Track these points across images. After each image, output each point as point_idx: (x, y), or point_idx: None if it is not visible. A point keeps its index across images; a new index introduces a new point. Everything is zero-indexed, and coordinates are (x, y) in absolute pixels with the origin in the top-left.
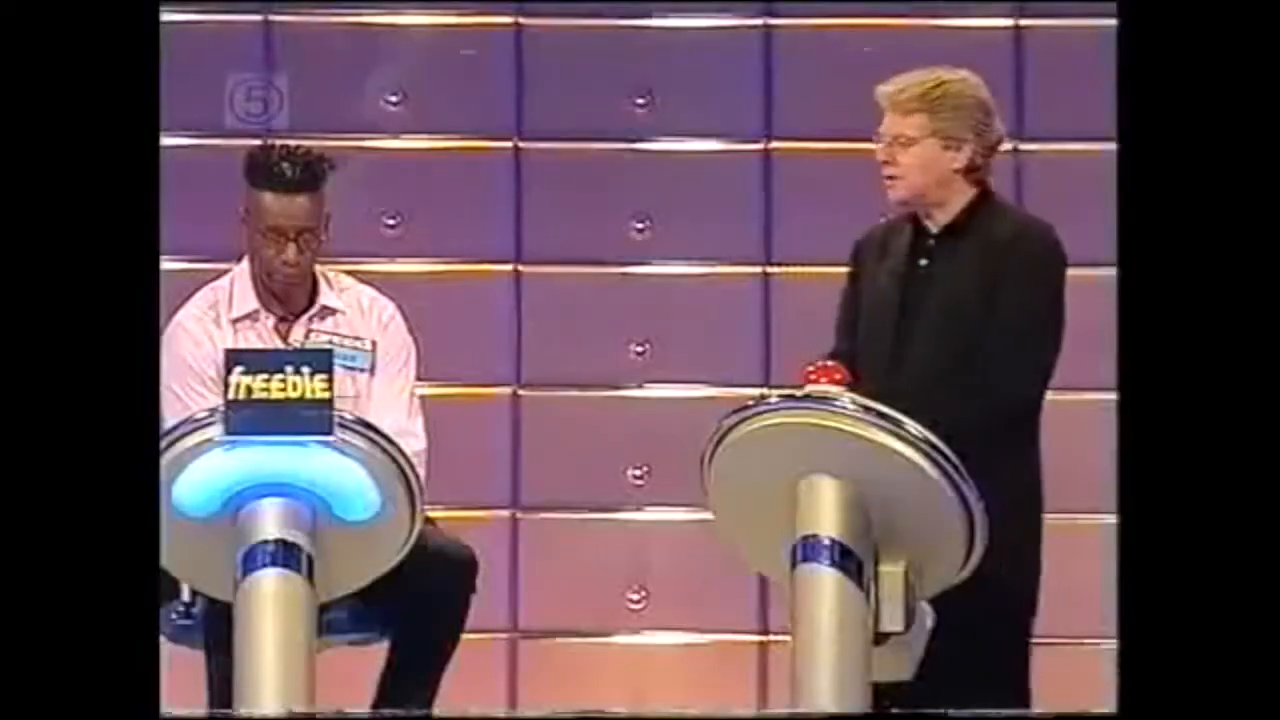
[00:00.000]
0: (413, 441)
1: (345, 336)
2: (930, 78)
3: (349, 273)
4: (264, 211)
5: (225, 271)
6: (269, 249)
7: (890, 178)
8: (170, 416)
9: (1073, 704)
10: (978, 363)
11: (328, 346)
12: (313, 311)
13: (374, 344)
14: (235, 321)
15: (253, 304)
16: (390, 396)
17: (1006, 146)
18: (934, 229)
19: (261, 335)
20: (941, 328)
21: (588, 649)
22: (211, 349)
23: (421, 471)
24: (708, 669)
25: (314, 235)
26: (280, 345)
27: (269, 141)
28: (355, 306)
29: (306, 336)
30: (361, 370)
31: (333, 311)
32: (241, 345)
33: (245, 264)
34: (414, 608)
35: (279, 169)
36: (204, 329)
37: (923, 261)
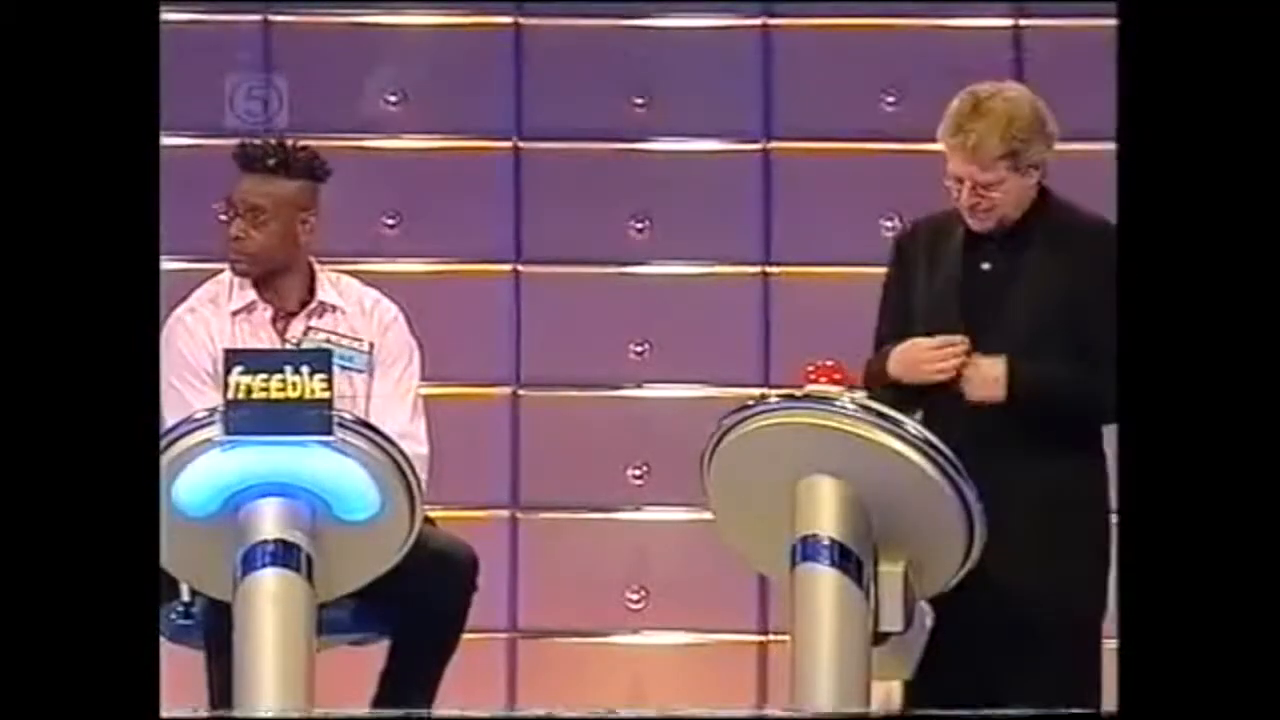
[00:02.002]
0: (415, 445)
1: (343, 336)
2: (999, 115)
3: (349, 273)
4: (232, 191)
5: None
6: (225, 229)
7: (983, 211)
8: (169, 411)
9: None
10: (1095, 355)
11: (325, 345)
12: (311, 307)
13: (372, 345)
14: (234, 314)
15: (250, 296)
16: (391, 399)
17: None
18: (994, 232)
19: (258, 329)
20: (1030, 330)
21: (588, 649)
22: (208, 342)
23: (424, 477)
24: (708, 669)
25: (264, 216)
26: (277, 340)
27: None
28: (356, 306)
29: (305, 333)
30: (358, 371)
31: (332, 309)
32: (238, 338)
33: None
34: (414, 607)
35: (244, 149)
36: (201, 322)
37: (985, 265)
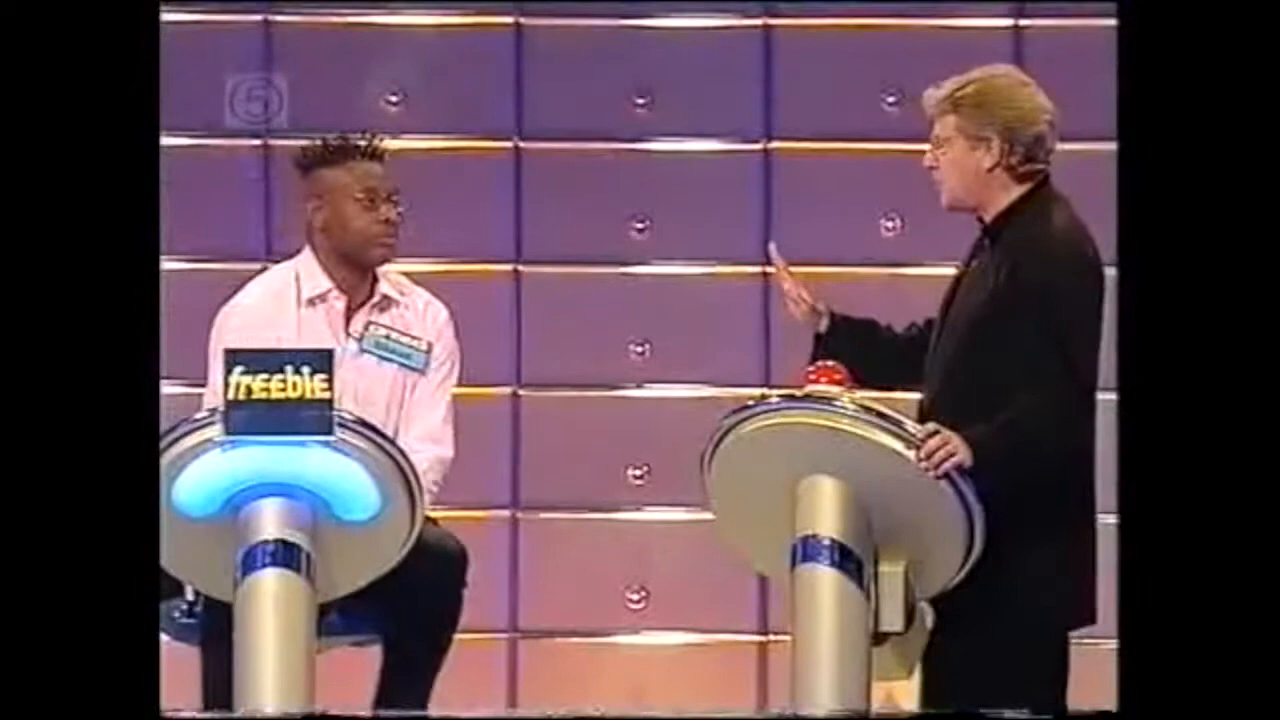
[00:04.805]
0: (443, 449)
1: (400, 333)
2: (961, 79)
3: None
4: (356, 179)
5: (228, 272)
6: (364, 216)
7: (936, 177)
8: (211, 401)
9: (1073, 704)
10: (988, 387)
11: (384, 339)
12: (374, 301)
13: (429, 345)
14: (309, 302)
15: (325, 285)
16: (434, 400)
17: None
18: (985, 230)
19: (330, 319)
20: (960, 337)
21: (588, 649)
22: (272, 337)
23: (438, 477)
24: (708, 669)
25: (396, 197)
26: (341, 332)
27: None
28: (413, 305)
29: (366, 328)
30: (415, 369)
31: (394, 304)
32: (307, 328)
33: (306, 253)
34: (406, 603)
35: (360, 144)
36: (261, 315)
37: (974, 261)
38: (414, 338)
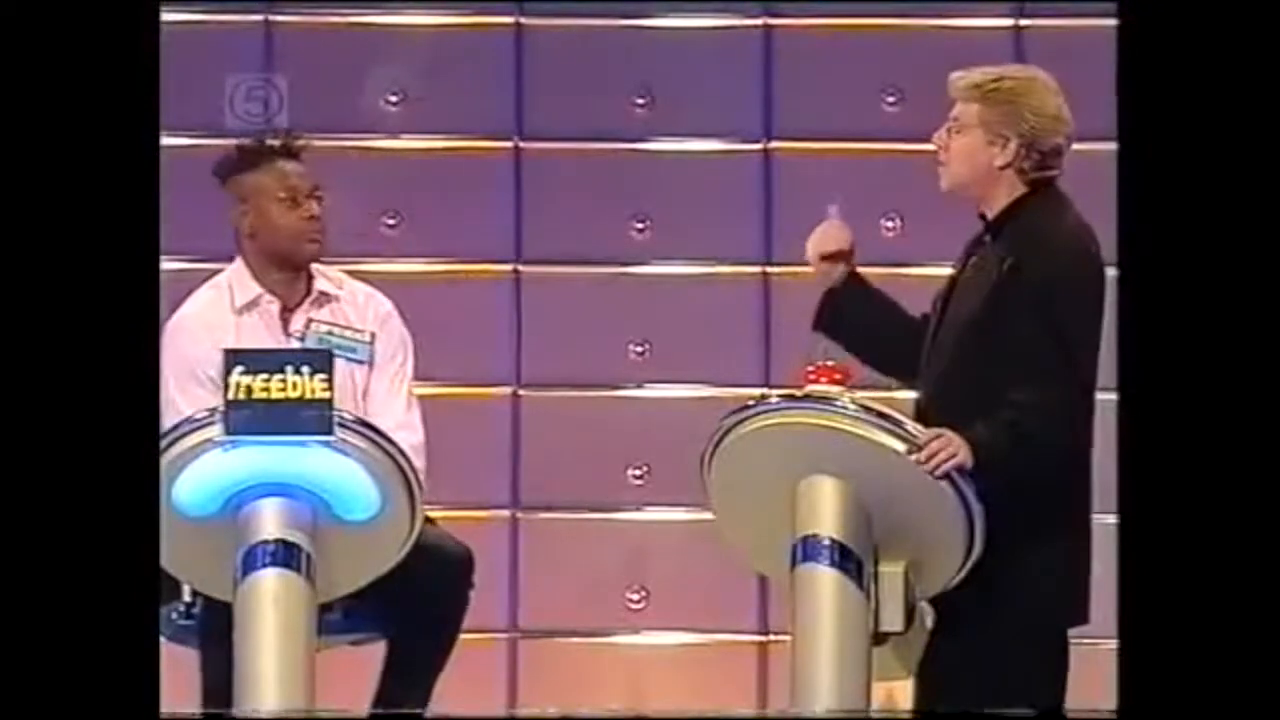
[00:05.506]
0: (411, 435)
1: (345, 327)
2: (996, 71)
3: (349, 273)
4: (276, 180)
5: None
6: (288, 215)
7: (940, 164)
8: (167, 417)
9: (1073, 704)
10: (988, 384)
11: (327, 337)
12: (311, 298)
13: (373, 336)
14: (241, 309)
15: (255, 290)
16: (390, 391)
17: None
18: (987, 226)
19: (266, 322)
20: (959, 333)
21: (588, 649)
22: (212, 345)
23: (420, 463)
24: (708, 669)
25: (319, 192)
26: (280, 334)
27: (244, 139)
28: (352, 299)
29: (307, 326)
30: (360, 362)
31: (331, 299)
32: (246, 334)
33: (239, 262)
34: (410, 605)
35: (274, 144)
36: (204, 325)
37: (973, 258)
38: (356, 330)
